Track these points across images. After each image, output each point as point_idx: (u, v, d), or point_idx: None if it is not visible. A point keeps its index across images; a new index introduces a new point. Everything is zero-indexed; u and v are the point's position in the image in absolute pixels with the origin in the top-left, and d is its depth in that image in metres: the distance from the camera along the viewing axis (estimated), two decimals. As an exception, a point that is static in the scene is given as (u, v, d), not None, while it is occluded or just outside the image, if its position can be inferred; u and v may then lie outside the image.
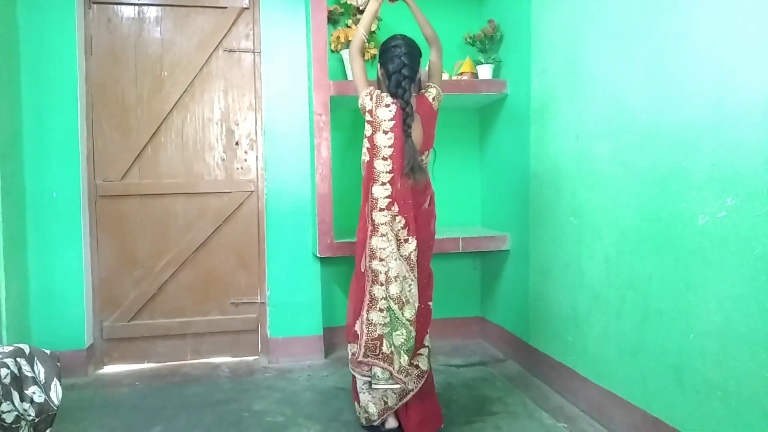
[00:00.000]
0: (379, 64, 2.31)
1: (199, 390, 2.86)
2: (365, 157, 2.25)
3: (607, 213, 2.32)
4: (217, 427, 2.43)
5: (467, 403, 2.63)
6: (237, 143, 3.32)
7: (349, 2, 3.16)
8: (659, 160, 2.02)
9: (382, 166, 2.18)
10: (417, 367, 2.23)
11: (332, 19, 3.27)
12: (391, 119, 2.17)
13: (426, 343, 2.29)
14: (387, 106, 2.19)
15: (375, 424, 2.31)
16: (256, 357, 3.37)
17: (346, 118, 3.41)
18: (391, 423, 2.31)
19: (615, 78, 2.27)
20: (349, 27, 3.20)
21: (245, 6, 3.26)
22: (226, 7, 3.24)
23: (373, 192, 2.19)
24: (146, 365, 3.25)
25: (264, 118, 3.24)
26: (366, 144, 2.24)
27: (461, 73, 3.27)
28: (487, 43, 3.25)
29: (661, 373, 2.02)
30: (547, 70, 2.77)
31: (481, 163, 3.64)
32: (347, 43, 3.20)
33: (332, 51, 3.27)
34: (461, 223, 3.65)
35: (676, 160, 1.94)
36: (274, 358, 3.26)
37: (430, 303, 2.34)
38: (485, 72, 3.22)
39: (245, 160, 3.33)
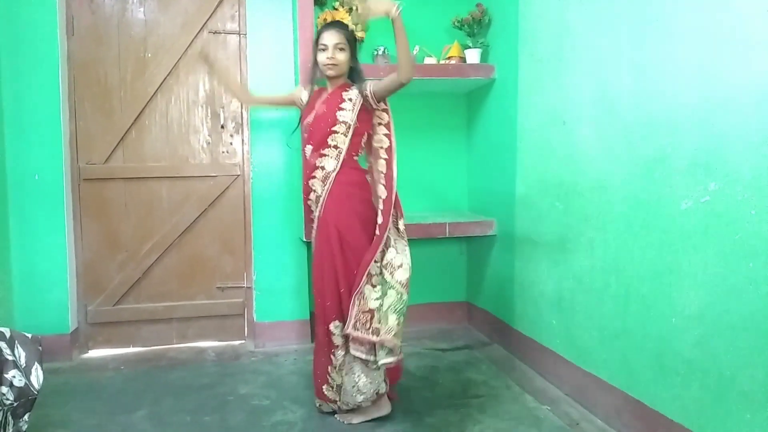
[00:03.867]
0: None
1: (184, 374, 2.86)
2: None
3: (592, 198, 2.33)
4: (202, 410, 2.43)
5: (452, 387, 2.65)
6: (222, 126, 3.28)
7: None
8: (643, 145, 2.02)
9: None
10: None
11: (319, 1, 3.22)
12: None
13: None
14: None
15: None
16: (243, 341, 3.37)
17: (333, 101, 3.37)
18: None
19: (600, 64, 2.26)
20: (336, 9, 3.16)
21: (230, -14, 3.21)
22: (210, -12, 3.19)
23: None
24: (131, 350, 3.23)
25: (250, 101, 3.20)
26: None
27: (449, 58, 3.24)
28: (475, 27, 3.22)
29: (643, 356, 2.05)
30: (534, 55, 2.76)
31: (469, 148, 3.63)
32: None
33: (319, 33, 3.22)
34: (448, 207, 3.66)
35: (660, 146, 1.94)
36: (260, 342, 3.26)
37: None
38: (473, 56, 3.20)
39: (231, 143, 3.29)
